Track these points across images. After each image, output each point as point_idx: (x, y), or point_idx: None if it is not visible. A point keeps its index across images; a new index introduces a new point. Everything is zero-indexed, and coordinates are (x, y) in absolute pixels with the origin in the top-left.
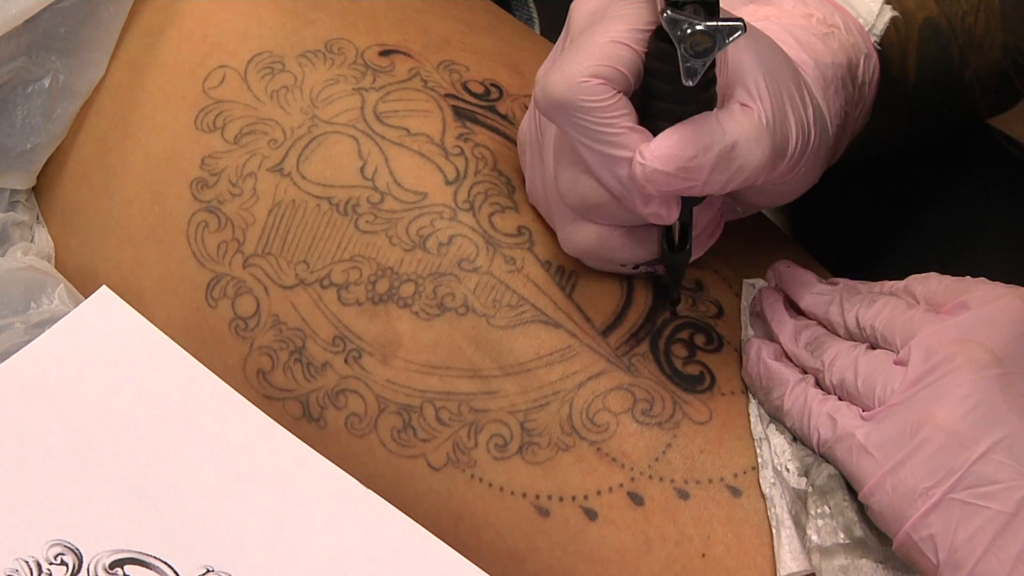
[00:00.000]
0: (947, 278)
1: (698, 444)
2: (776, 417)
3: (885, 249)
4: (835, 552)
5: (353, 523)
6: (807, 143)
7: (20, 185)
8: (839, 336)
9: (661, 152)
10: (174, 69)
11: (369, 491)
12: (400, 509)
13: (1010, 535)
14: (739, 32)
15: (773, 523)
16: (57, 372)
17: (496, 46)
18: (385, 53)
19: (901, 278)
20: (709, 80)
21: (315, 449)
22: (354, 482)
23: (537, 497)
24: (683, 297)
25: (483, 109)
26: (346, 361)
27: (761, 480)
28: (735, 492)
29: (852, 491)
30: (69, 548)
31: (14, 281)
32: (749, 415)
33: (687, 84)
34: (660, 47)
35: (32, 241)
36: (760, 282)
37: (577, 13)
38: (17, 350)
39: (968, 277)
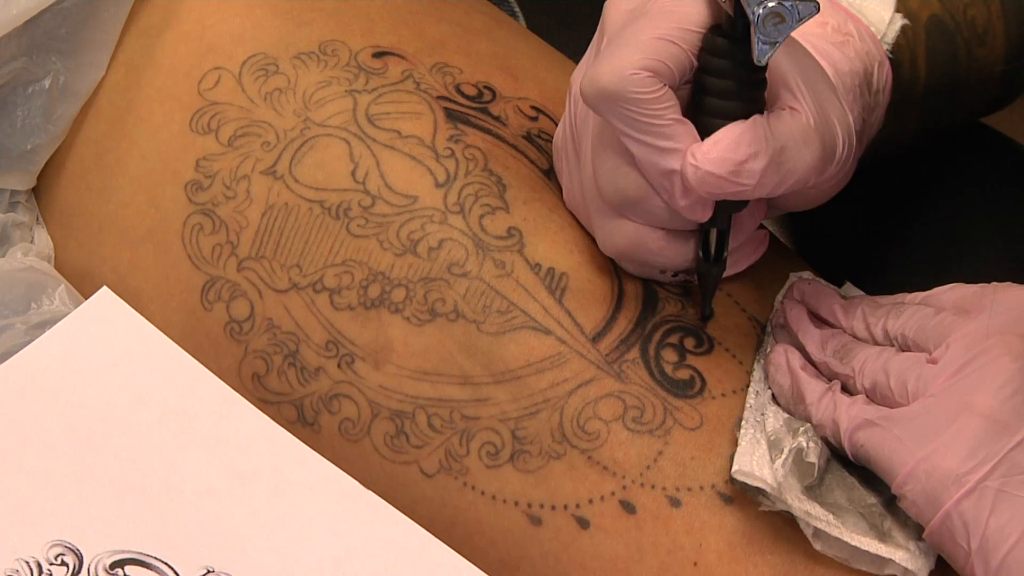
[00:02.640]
0: (974, 285)
1: (689, 451)
2: None
3: (882, 250)
4: (793, 479)
5: (353, 523)
6: (852, 144)
7: (20, 186)
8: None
9: (713, 155)
10: (170, 71)
11: (368, 491)
12: None
13: None
14: (812, 11)
15: (744, 437)
16: (58, 373)
17: (491, 49)
18: (379, 55)
19: (898, 280)
20: (761, 80)
21: None
22: (354, 482)
23: (529, 506)
24: (672, 301)
25: (475, 111)
26: (339, 366)
27: (743, 424)
28: (727, 499)
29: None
30: (70, 548)
31: (14, 282)
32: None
33: (759, 63)
34: (717, 42)
35: (32, 242)
36: (807, 274)
37: (614, 11)
38: (18, 350)
39: (995, 283)
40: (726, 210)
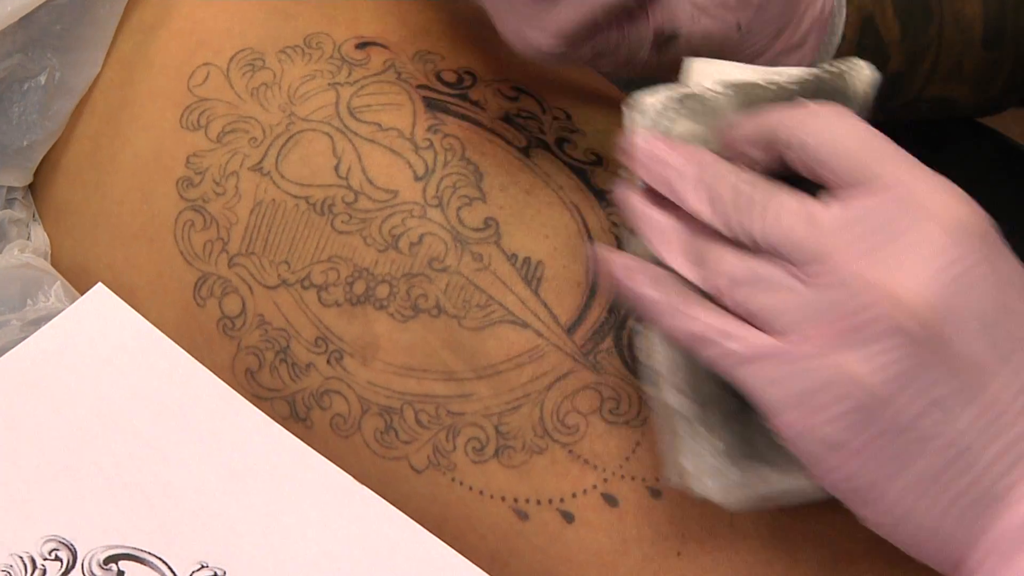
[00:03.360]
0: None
1: None
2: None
3: None
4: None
5: (347, 519)
6: None
7: (16, 182)
8: (724, 238)
9: None
10: (162, 67)
11: (363, 487)
12: None
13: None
14: None
15: (676, 429)
16: (53, 369)
17: (477, 32)
18: (361, 46)
19: None
20: None
21: None
22: (348, 478)
23: (516, 500)
24: None
25: (454, 98)
26: (329, 362)
27: (666, 394)
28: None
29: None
30: (63, 544)
31: (10, 278)
32: None
33: None
34: None
35: (28, 238)
36: (651, 92)
37: None
38: (13, 347)
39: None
40: None
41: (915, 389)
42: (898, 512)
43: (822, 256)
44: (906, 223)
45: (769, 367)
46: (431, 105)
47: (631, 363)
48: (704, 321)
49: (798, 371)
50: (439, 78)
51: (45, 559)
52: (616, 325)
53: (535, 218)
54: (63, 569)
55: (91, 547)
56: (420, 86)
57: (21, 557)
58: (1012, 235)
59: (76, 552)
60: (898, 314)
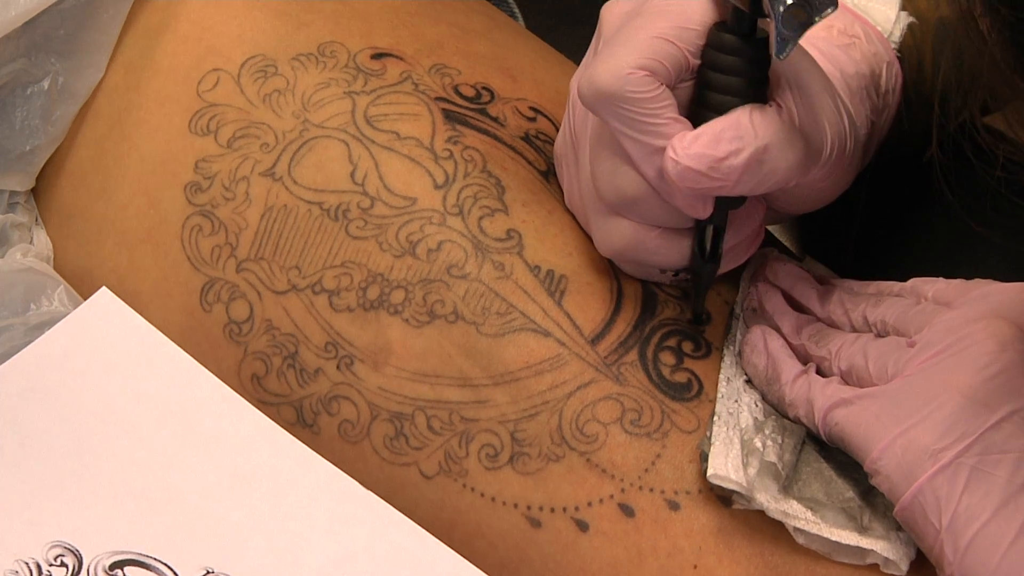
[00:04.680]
0: (955, 280)
1: (687, 454)
2: (778, 409)
3: (883, 253)
4: (769, 479)
5: (353, 525)
6: (843, 147)
7: (19, 187)
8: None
9: (693, 150)
10: (169, 72)
11: (369, 493)
12: None
13: (1015, 506)
14: (831, 8)
15: (717, 436)
16: (57, 373)
17: (489, 50)
18: (377, 56)
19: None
20: (765, 78)
21: None
22: (354, 483)
23: (528, 508)
24: (671, 304)
25: (474, 112)
26: (338, 368)
27: (718, 409)
28: (726, 502)
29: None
30: (69, 550)
31: (14, 282)
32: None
33: (780, 59)
34: (724, 38)
35: (31, 243)
36: (773, 251)
37: (610, 15)
38: (17, 351)
39: (977, 279)
40: (723, 207)
41: (1007, 395)
42: (974, 531)
43: (927, 322)
44: None
45: (871, 404)
46: (450, 117)
47: (656, 378)
48: (820, 382)
49: (898, 398)
50: (457, 92)
51: (51, 565)
52: (642, 340)
53: (558, 236)
54: (69, 575)
55: (97, 553)
56: (438, 98)
57: (27, 563)
58: (1014, 238)
59: (82, 558)
60: (999, 326)
